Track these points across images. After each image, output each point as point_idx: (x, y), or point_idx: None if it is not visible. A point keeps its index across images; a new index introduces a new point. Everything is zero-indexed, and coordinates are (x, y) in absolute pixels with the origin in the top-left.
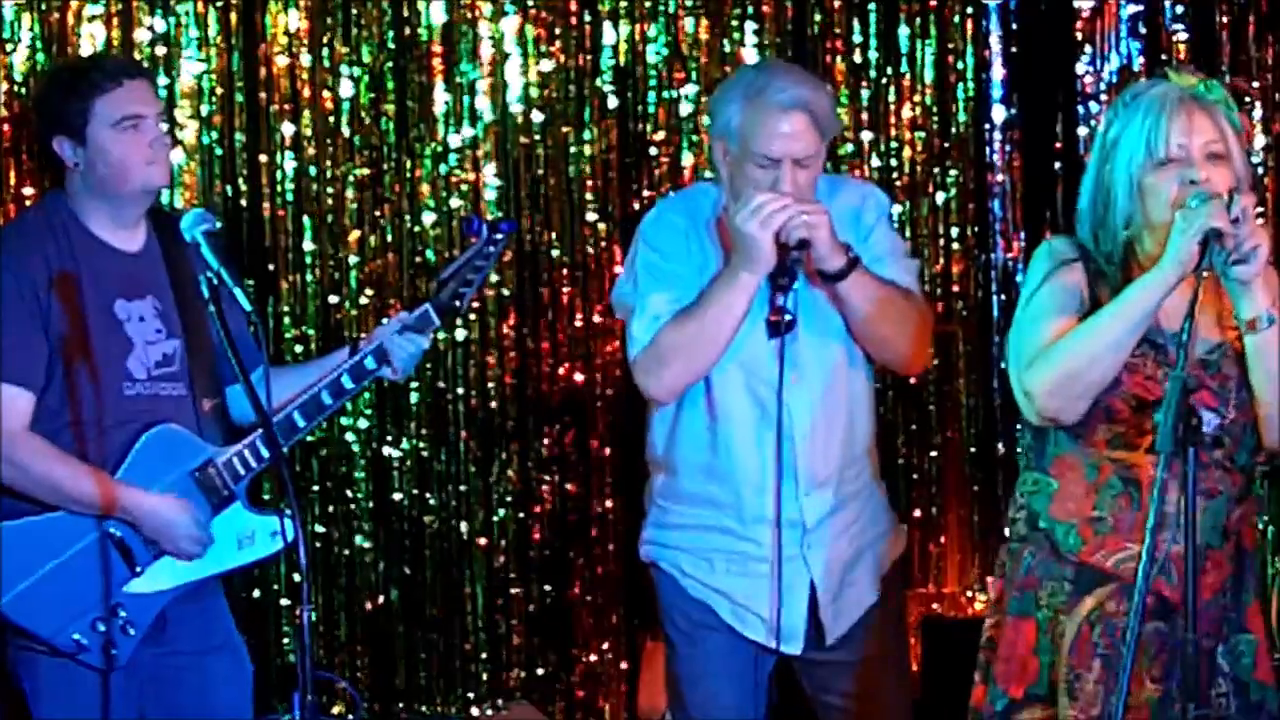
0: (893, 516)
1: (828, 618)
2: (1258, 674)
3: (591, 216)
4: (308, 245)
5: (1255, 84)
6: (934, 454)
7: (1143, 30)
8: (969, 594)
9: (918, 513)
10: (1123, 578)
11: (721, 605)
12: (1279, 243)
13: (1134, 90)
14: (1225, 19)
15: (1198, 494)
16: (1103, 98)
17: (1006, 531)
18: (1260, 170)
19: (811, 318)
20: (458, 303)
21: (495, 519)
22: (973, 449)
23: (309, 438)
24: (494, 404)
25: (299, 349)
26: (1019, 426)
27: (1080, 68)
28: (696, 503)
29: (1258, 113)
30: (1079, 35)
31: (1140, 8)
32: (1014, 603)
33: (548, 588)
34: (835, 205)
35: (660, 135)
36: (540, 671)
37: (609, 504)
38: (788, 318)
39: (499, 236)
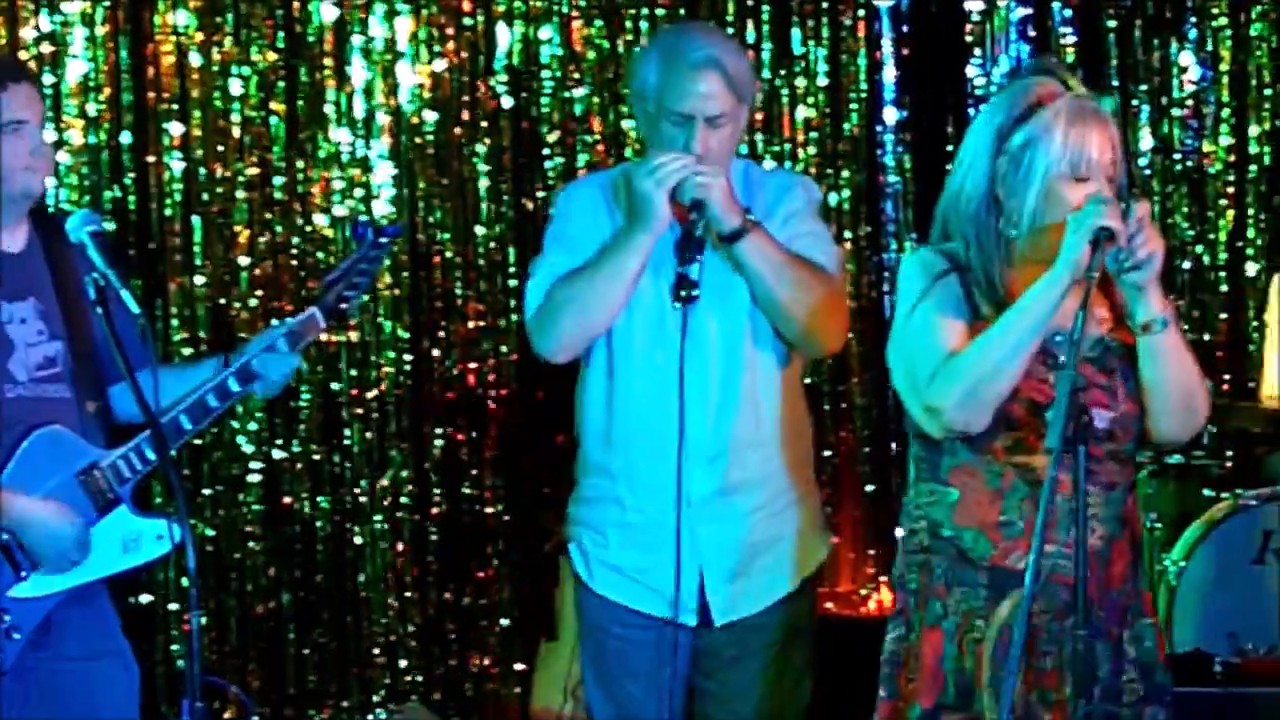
0: (821, 520)
1: (717, 599)
2: (1158, 656)
3: (485, 217)
4: (197, 247)
5: (1143, 86)
6: (828, 454)
7: (1032, 33)
8: (863, 593)
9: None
10: (1040, 577)
11: (616, 583)
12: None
13: (1034, 93)
14: (1113, 23)
15: (1097, 487)
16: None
17: (901, 544)
18: (1147, 172)
19: (719, 290)
20: (344, 306)
21: (388, 521)
22: (866, 449)
23: (197, 440)
24: (387, 406)
25: (187, 351)
26: (911, 439)
27: (971, 70)
28: (597, 473)
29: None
30: (969, 38)
31: (1029, 11)
32: (921, 614)
33: (442, 590)
34: (761, 192)
35: (554, 136)
36: (435, 674)
37: (503, 504)
38: (695, 292)
39: (384, 240)
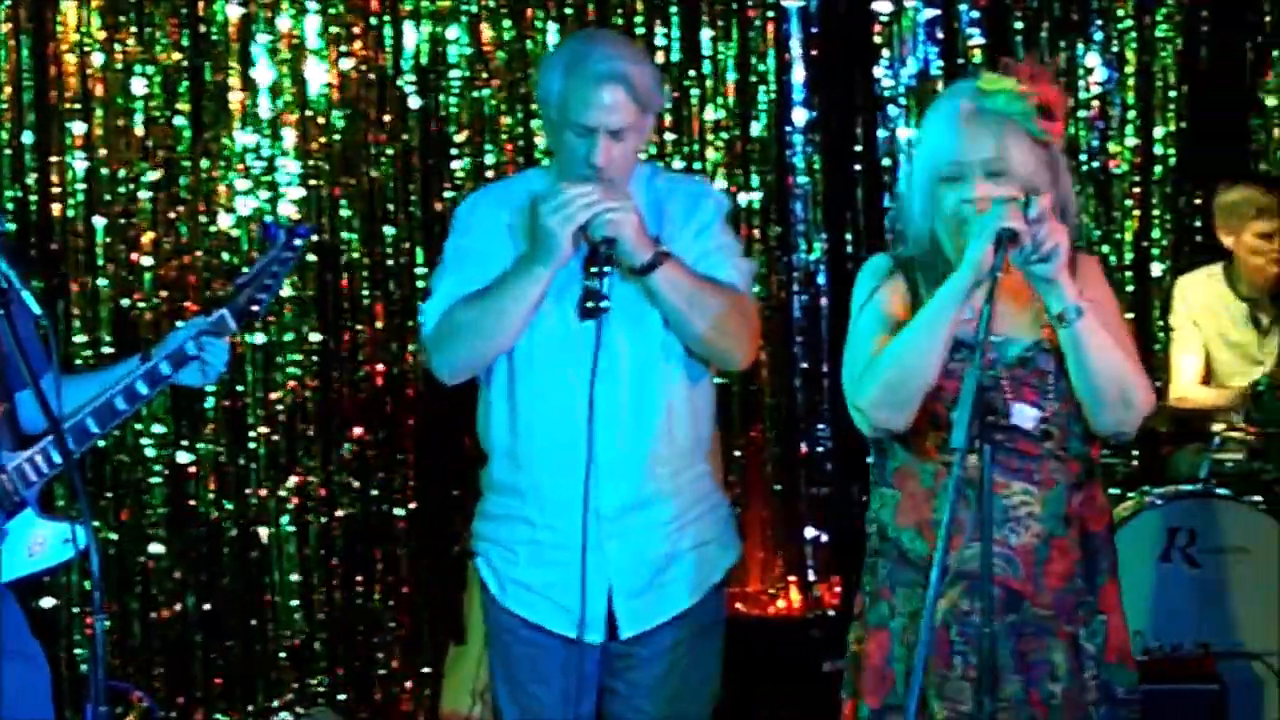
0: (731, 530)
1: (623, 611)
2: (1108, 653)
3: (393, 218)
4: (99, 248)
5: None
6: (737, 454)
7: (940, 35)
8: (771, 593)
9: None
10: (970, 575)
11: (526, 599)
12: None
13: (941, 93)
14: (1019, 25)
15: (1034, 485)
16: (901, 101)
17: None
18: None
19: (628, 304)
20: (255, 308)
21: (295, 524)
22: (775, 449)
23: (103, 443)
24: (294, 407)
25: (89, 353)
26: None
27: (879, 71)
28: (504, 491)
29: None
30: (878, 39)
31: (937, 12)
32: (871, 615)
33: (349, 592)
34: (670, 202)
35: (463, 135)
36: (343, 676)
37: (411, 507)
38: (603, 304)
39: (297, 242)
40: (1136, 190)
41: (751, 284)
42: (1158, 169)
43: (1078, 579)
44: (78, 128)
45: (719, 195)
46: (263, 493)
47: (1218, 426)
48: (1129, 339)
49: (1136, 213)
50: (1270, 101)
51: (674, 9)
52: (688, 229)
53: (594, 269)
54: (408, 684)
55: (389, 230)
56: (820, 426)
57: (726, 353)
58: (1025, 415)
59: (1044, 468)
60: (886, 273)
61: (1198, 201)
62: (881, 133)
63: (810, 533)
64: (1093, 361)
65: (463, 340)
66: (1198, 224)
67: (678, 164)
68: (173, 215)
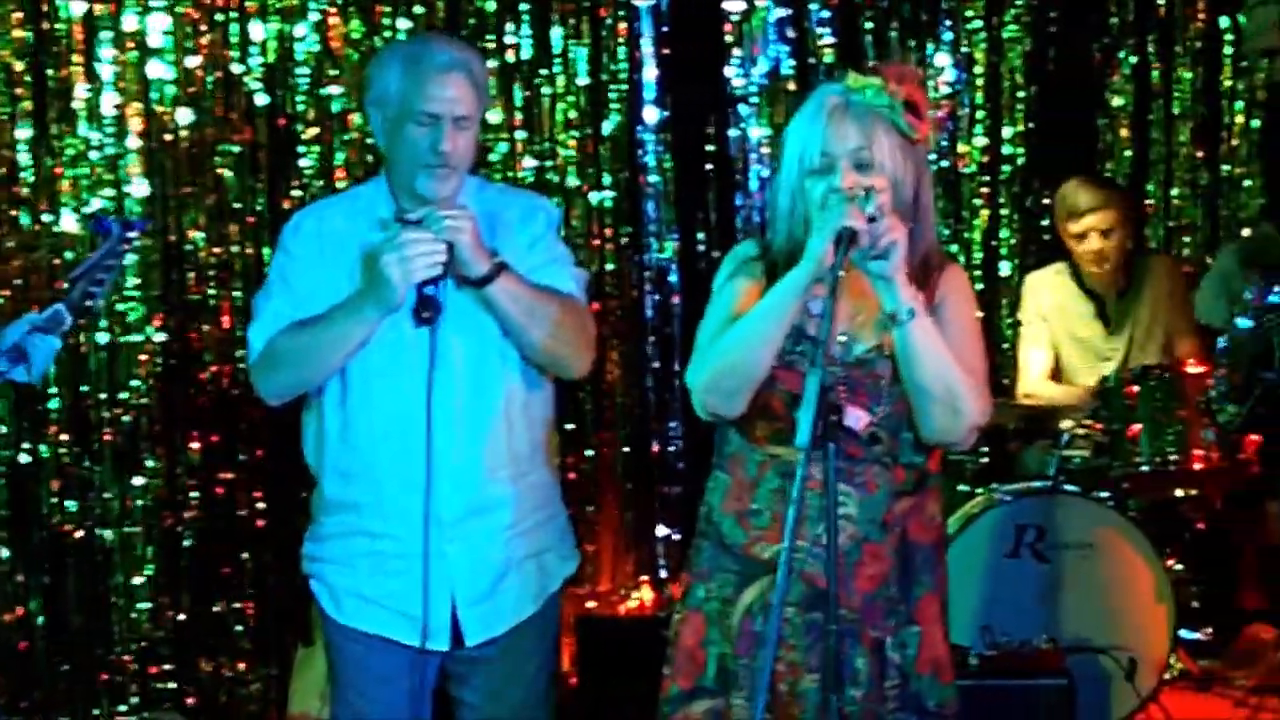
0: (570, 541)
1: (467, 618)
2: (919, 665)
3: (239, 216)
4: None
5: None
6: (589, 453)
7: (791, 34)
8: (622, 593)
9: (571, 511)
10: (791, 569)
11: (367, 611)
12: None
13: (810, 93)
14: (869, 24)
15: (853, 488)
16: (752, 100)
17: None
18: None
19: (463, 310)
20: (89, 302)
21: (141, 525)
22: (626, 449)
23: None
24: (140, 407)
25: None
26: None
27: (730, 70)
28: (339, 510)
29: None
30: (729, 38)
31: (788, 12)
32: (689, 596)
33: (195, 594)
34: (502, 214)
35: (311, 133)
36: (189, 680)
37: (259, 508)
38: (434, 312)
39: (131, 235)
40: (985, 189)
41: (586, 293)
42: (1006, 168)
43: (890, 586)
44: None
45: (549, 206)
46: (107, 494)
47: (1065, 424)
48: (976, 354)
49: (985, 212)
50: (1116, 102)
51: (525, 7)
52: (521, 240)
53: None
54: (254, 687)
55: (234, 229)
56: (672, 425)
57: (565, 361)
58: (856, 418)
59: (867, 472)
60: (747, 260)
61: (1045, 201)
62: (733, 132)
63: (662, 531)
64: (921, 364)
65: (286, 369)
66: (1045, 223)
67: (529, 162)
68: (14, 212)
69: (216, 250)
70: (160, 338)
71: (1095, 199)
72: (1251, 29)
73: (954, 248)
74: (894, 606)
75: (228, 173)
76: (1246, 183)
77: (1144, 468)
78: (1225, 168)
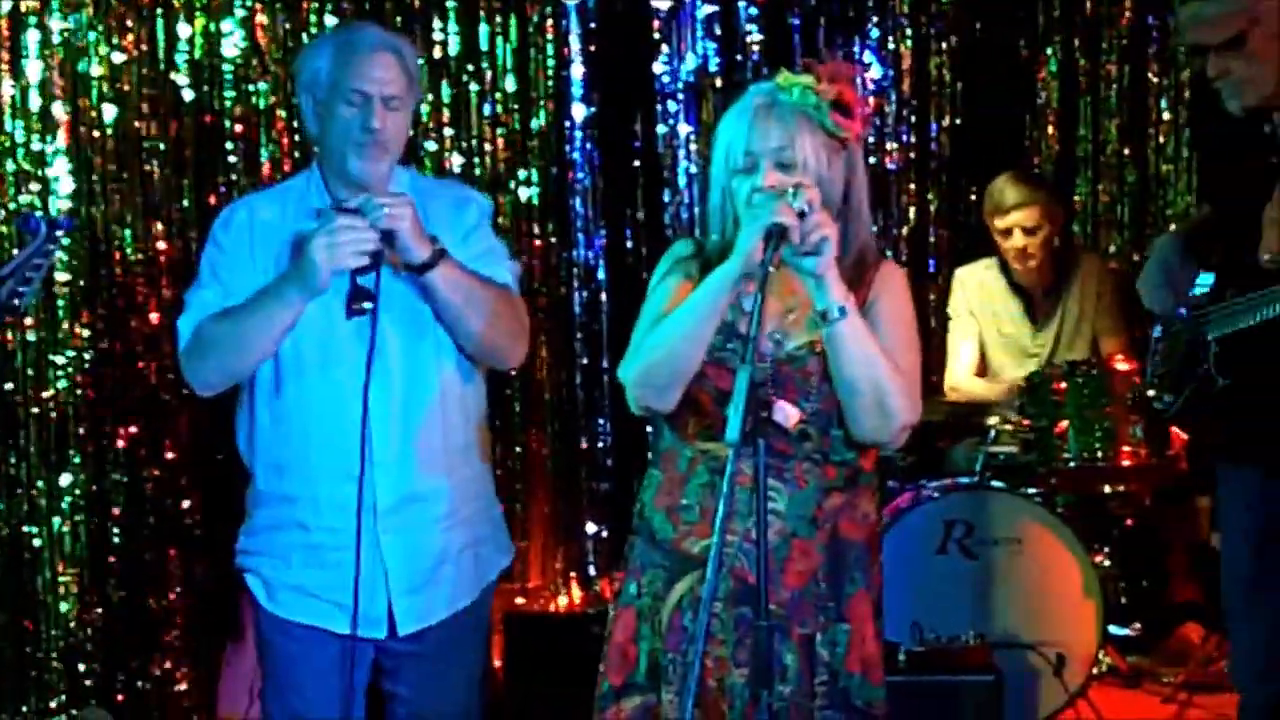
0: (505, 534)
1: (401, 608)
2: (848, 663)
3: (166, 213)
4: None
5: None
6: (518, 450)
7: (718, 31)
8: (552, 589)
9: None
10: (723, 565)
11: (301, 603)
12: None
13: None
14: (796, 21)
15: (782, 483)
16: (680, 96)
17: None
18: None
19: (398, 301)
20: (16, 301)
21: (68, 523)
22: (555, 445)
23: None
24: (66, 405)
25: None
26: None
27: (658, 67)
28: (272, 502)
29: None
30: (656, 35)
31: (716, 8)
32: (623, 592)
33: (123, 592)
34: (435, 205)
35: (238, 129)
36: (117, 677)
37: (186, 504)
38: (367, 305)
39: (59, 234)
40: (912, 186)
41: (519, 285)
42: (933, 165)
43: (819, 583)
44: None
45: (482, 198)
46: (34, 492)
47: (992, 420)
48: (909, 353)
49: (913, 208)
50: (1043, 98)
51: (452, 4)
52: (455, 232)
53: (361, 266)
54: (184, 685)
55: (161, 226)
56: (601, 422)
57: (501, 351)
58: (785, 413)
59: (797, 468)
60: (682, 259)
61: (973, 197)
62: (661, 128)
63: (591, 528)
64: (850, 363)
65: (215, 356)
66: (973, 219)
67: (457, 159)
68: None
69: (144, 247)
70: (87, 334)
71: (1021, 195)
72: (1182, 23)
73: (881, 244)
74: (823, 603)
75: (154, 169)
76: (1173, 180)
77: (1071, 464)
78: (1153, 164)
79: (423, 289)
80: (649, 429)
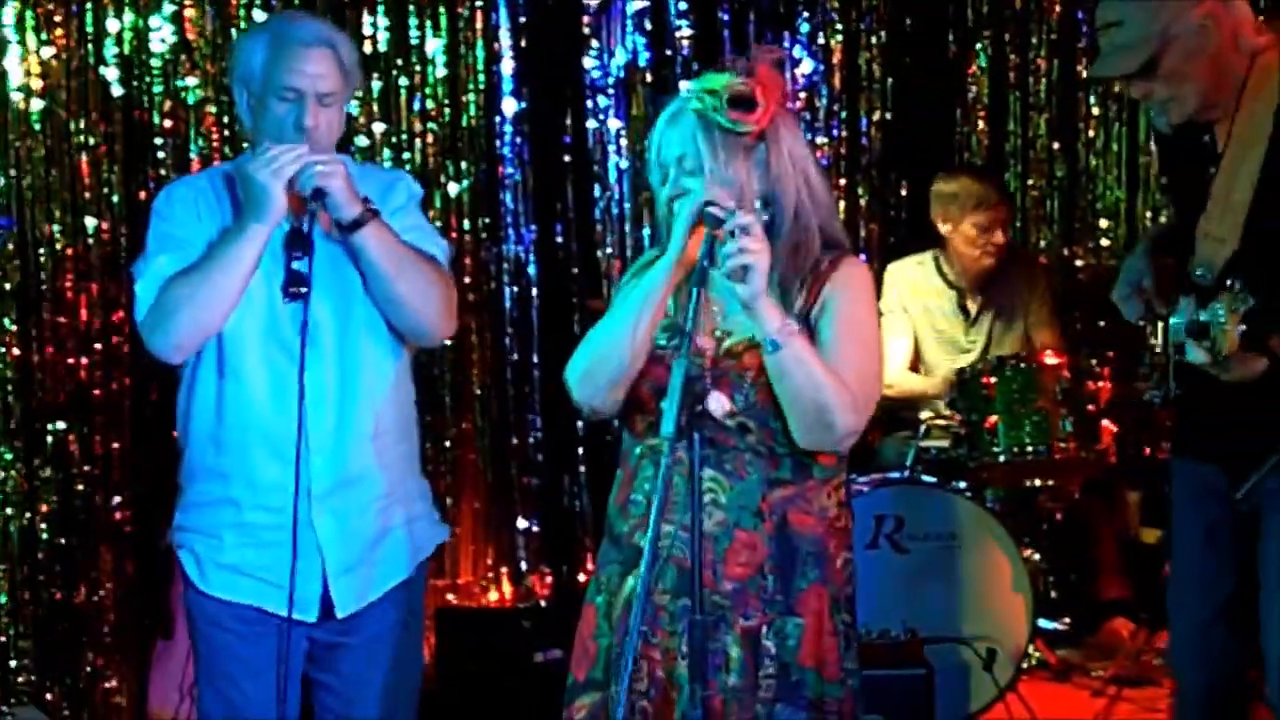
0: (436, 510)
1: (338, 589)
2: (800, 657)
3: (96, 208)
4: None
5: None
6: (448, 446)
7: (648, 26)
8: (483, 584)
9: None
10: (658, 556)
11: (233, 581)
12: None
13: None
14: (727, 16)
15: (724, 474)
16: (610, 91)
17: None
18: None
19: (333, 285)
20: None
21: None
22: (486, 440)
23: None
24: None
25: None
26: None
27: (588, 62)
28: (207, 478)
29: None
30: (586, 30)
31: (646, 4)
32: (589, 589)
33: (54, 588)
34: (367, 188)
35: (168, 125)
36: (48, 674)
37: (118, 500)
38: (303, 287)
39: (0, 232)
40: (842, 180)
41: (449, 262)
42: (863, 160)
43: (765, 575)
44: None
45: (411, 180)
46: None
47: (923, 415)
48: (861, 357)
49: (843, 203)
50: (973, 93)
51: None
52: (384, 210)
53: (296, 249)
54: (114, 681)
55: (91, 221)
56: (531, 417)
57: (428, 322)
58: (718, 404)
59: (739, 459)
60: (640, 266)
61: (903, 192)
62: (591, 123)
63: (522, 524)
64: (791, 387)
65: (182, 314)
66: (904, 215)
67: (387, 154)
68: None
69: (73, 242)
70: (15, 330)
71: (999, 192)
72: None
73: None
74: (770, 596)
75: (84, 165)
76: (1103, 174)
77: (1001, 458)
78: (1083, 159)
79: (353, 253)
80: (579, 425)
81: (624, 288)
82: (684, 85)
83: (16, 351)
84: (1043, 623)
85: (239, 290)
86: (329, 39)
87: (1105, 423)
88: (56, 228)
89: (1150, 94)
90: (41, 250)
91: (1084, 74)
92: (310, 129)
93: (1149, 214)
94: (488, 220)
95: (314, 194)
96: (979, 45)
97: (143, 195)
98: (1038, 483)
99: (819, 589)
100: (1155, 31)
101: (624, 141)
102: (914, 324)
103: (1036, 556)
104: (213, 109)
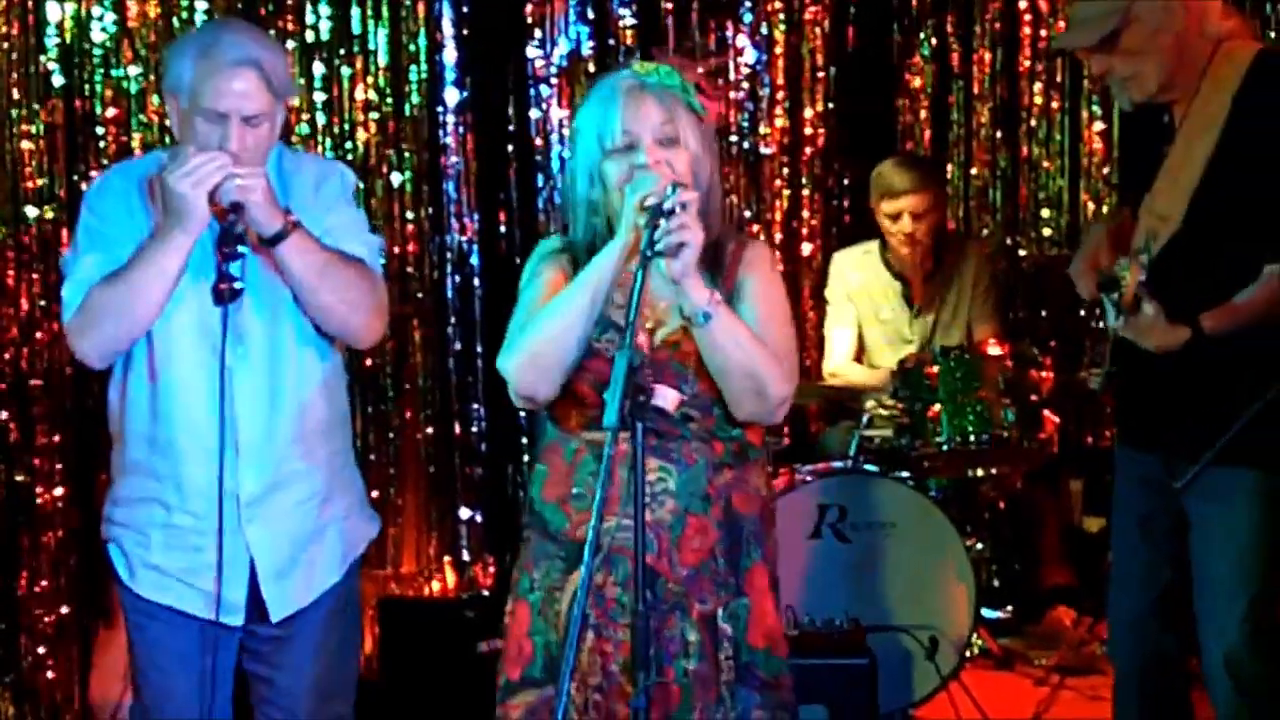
0: (369, 505)
1: (271, 594)
2: (749, 637)
3: (37, 198)
4: None
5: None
6: (391, 435)
7: (591, 15)
8: (425, 574)
9: (375, 494)
10: (603, 549)
11: (161, 583)
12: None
13: (594, 85)
14: (670, 5)
15: (671, 463)
16: (553, 81)
17: None
18: None
19: (262, 288)
20: None
21: None
22: (429, 430)
23: None
24: None
25: None
26: None
27: (531, 51)
28: (140, 473)
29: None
30: (529, 19)
31: None
32: (518, 587)
33: None
34: (298, 180)
35: (109, 113)
36: None
37: (59, 491)
38: (236, 285)
39: None
40: (785, 170)
41: (379, 259)
42: (807, 149)
43: (717, 559)
44: None
45: (346, 171)
46: None
47: (867, 404)
48: (782, 332)
49: (786, 192)
50: (916, 83)
51: None
52: (316, 204)
53: (226, 250)
54: (54, 673)
55: (32, 211)
56: (474, 407)
57: (353, 327)
58: (666, 397)
59: (685, 447)
60: (552, 253)
61: (846, 181)
62: (534, 113)
63: (465, 513)
64: (724, 358)
65: (107, 320)
66: (846, 204)
67: (328, 143)
68: None
69: (14, 231)
70: None
71: (911, 181)
72: (1063, 29)
73: (755, 228)
74: (722, 579)
75: (25, 153)
76: (1046, 164)
77: (944, 447)
78: (1026, 147)
79: (275, 262)
80: (522, 415)
81: (537, 278)
82: (626, 67)
83: None
84: (985, 612)
85: (163, 298)
86: (255, 59)
87: (1047, 412)
88: None
89: (1110, 70)
90: None
91: (1025, 64)
92: (235, 154)
93: (1090, 203)
94: (430, 210)
95: (232, 206)
96: (922, 34)
97: (84, 185)
98: (980, 472)
99: (761, 568)
100: (1120, 6)
101: (566, 131)
102: (859, 314)
103: (979, 546)
104: (155, 99)
